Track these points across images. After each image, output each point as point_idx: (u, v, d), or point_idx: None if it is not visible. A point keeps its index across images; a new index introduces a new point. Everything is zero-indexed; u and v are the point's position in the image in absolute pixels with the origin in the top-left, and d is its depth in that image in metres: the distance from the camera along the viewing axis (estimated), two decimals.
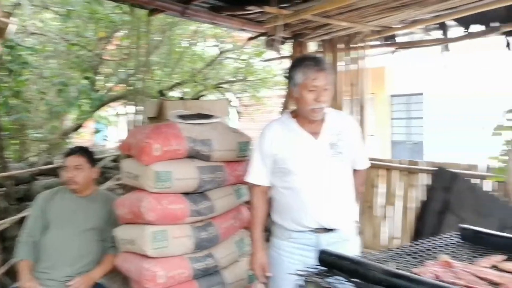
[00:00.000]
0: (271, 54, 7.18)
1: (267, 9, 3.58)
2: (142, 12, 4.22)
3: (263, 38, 5.01)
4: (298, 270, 1.79)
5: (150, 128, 2.84)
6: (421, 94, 12.73)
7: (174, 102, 4.05)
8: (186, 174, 2.76)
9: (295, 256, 2.26)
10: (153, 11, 4.02)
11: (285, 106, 5.03)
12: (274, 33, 4.14)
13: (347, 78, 4.98)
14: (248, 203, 3.21)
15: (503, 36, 4.22)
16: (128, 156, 2.93)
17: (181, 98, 4.86)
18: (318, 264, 1.81)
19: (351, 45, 4.86)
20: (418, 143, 13.61)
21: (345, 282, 1.65)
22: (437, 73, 5.04)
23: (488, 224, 2.47)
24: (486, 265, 1.85)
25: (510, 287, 1.59)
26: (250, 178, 2.41)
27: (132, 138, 2.87)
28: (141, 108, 4.12)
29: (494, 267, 1.84)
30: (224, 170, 2.93)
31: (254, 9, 3.84)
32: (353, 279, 1.64)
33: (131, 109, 4.43)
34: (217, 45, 7.86)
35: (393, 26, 4.51)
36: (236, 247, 3.03)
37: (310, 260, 1.87)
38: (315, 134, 2.30)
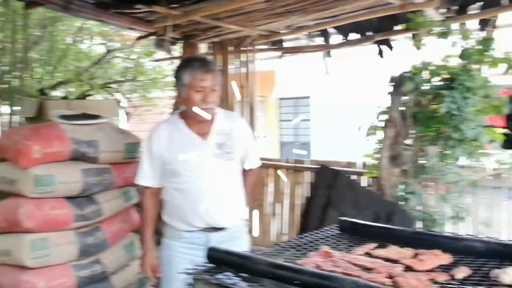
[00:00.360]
0: (161, 54, 7.11)
1: (156, 8, 3.53)
2: (19, 5, 3.90)
3: (153, 38, 4.94)
4: (187, 269, 1.80)
5: (28, 129, 2.65)
6: (308, 97, 13.41)
7: (56, 101, 3.80)
8: (70, 177, 2.62)
9: (185, 256, 2.26)
10: (30, 4, 3.75)
11: (175, 107, 5.00)
12: (163, 33, 4.09)
13: (238, 80, 5.09)
14: (137, 205, 3.14)
15: (376, 45, 4.63)
16: (2, 160, 2.70)
17: (65, 98, 4.58)
18: (207, 261, 1.83)
19: (241, 48, 4.98)
20: (305, 143, 14.33)
21: (234, 277, 1.69)
22: (322, 78, 5.38)
23: (365, 217, 2.69)
24: (360, 253, 2.02)
25: (381, 271, 1.74)
26: (140, 180, 2.39)
27: (7, 140, 2.66)
28: (18, 108, 3.81)
29: (368, 254, 2.01)
30: (112, 172, 2.84)
31: (143, 8, 3.76)
32: (241, 274, 1.69)
33: (6, 109, 4.07)
34: (104, 44, 7.54)
35: (280, 31, 4.71)
36: (125, 251, 2.95)
37: (201, 259, 1.89)
38: (203, 134, 2.31)
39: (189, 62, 2.30)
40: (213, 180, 2.29)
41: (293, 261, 1.89)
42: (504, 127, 3.78)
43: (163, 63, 7.62)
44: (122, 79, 7.55)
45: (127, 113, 7.58)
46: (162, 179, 2.36)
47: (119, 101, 7.31)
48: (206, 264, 1.83)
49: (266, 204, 4.98)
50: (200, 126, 2.31)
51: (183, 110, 2.40)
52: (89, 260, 2.70)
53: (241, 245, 2.36)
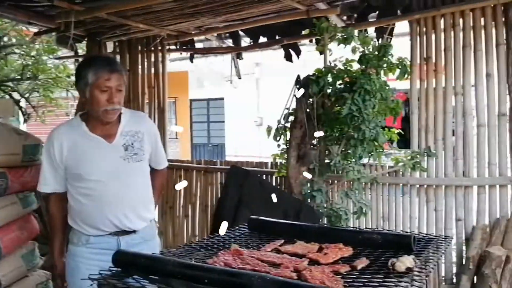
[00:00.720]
0: (65, 52, 6.73)
1: (57, 3, 3.34)
2: None
3: (54, 34, 4.67)
4: (91, 275, 1.73)
5: None
6: (222, 99, 13.46)
7: None
8: None
9: (93, 262, 2.15)
10: None
11: (78, 108, 4.78)
12: (66, 30, 3.88)
13: (147, 81, 4.98)
14: (37, 211, 2.95)
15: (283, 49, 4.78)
16: None
17: None
18: (113, 266, 1.78)
19: (150, 48, 4.88)
20: (218, 145, 14.38)
21: (142, 280, 1.66)
22: (235, 80, 5.45)
23: (275, 215, 2.76)
24: (269, 250, 2.08)
25: (288, 266, 1.80)
26: (43, 187, 2.27)
27: None
28: None
29: (276, 251, 2.08)
30: (7, 177, 2.63)
31: (42, 1, 3.54)
32: (150, 276, 1.66)
33: None
34: None
35: (190, 32, 4.68)
36: (24, 261, 2.75)
37: (109, 265, 1.82)
38: (108, 136, 2.23)
39: (93, 61, 2.20)
40: (121, 183, 2.21)
41: (203, 261, 1.89)
42: (399, 128, 4.10)
43: (67, 61, 7.22)
44: (19, 77, 7.01)
45: (26, 114, 7.06)
46: (66, 183, 2.24)
47: (16, 101, 6.79)
48: (112, 269, 1.77)
49: (177, 206, 4.92)
50: (104, 128, 2.22)
51: (85, 112, 2.27)
52: None
53: (152, 247, 2.31)
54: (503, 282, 3.22)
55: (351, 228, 2.63)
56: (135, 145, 2.26)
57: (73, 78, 7.63)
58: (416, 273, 1.73)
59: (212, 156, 13.69)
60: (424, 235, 2.36)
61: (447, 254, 3.60)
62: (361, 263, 1.85)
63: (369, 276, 1.73)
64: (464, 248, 3.58)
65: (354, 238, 2.15)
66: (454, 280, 3.62)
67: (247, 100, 12.56)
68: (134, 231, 2.27)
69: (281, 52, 4.77)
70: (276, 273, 1.70)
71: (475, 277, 3.41)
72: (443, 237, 2.33)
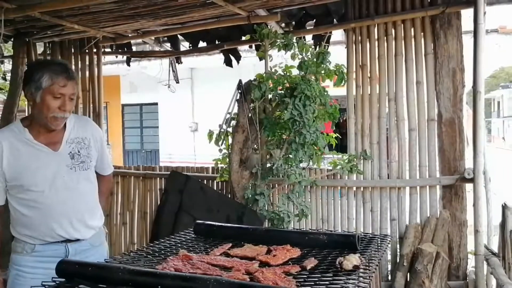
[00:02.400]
0: None
1: None
2: None
3: None
4: (33, 286, 1.64)
5: None
6: (156, 104, 13.21)
7: None
8: None
9: (39, 271, 2.06)
10: None
11: (8, 111, 4.51)
12: None
13: (81, 84, 4.79)
14: None
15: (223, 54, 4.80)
16: None
17: None
18: (58, 275, 1.69)
19: (84, 50, 4.70)
20: (152, 151, 14.07)
21: None
22: (172, 84, 5.39)
23: (218, 220, 2.76)
24: (218, 254, 2.07)
25: (239, 268, 1.81)
26: None
27: None
28: None
29: (225, 254, 2.08)
30: None
31: None
32: (98, 285, 1.60)
33: None
34: None
35: (127, 35, 4.57)
36: None
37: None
38: (53, 144, 2.14)
39: (49, 65, 2.10)
40: (67, 193, 2.13)
41: (152, 267, 1.85)
42: (334, 133, 4.24)
43: None
44: None
45: None
46: (6, 194, 2.11)
47: None
48: (57, 279, 1.69)
49: (114, 213, 4.76)
50: (49, 136, 2.13)
51: (27, 117, 2.17)
52: None
53: (100, 253, 2.27)
54: (434, 277, 3.43)
55: (297, 230, 2.70)
56: (82, 153, 2.19)
57: None
58: (362, 270, 1.80)
59: (145, 162, 13.39)
60: (365, 234, 2.46)
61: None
62: (310, 263, 1.90)
63: (319, 275, 1.77)
64: (398, 246, 3.77)
65: (301, 239, 2.20)
66: (389, 277, 3.79)
67: (182, 105, 12.43)
68: (83, 239, 2.19)
69: (217, 57, 4.81)
70: (229, 276, 1.69)
71: (408, 274, 3.60)
72: (383, 235, 2.45)
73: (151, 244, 2.27)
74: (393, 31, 3.80)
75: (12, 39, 4.55)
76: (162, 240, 2.35)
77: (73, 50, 4.77)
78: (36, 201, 2.08)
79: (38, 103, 2.06)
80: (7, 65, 6.08)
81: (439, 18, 3.64)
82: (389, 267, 3.85)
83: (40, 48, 4.81)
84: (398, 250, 3.74)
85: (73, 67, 4.79)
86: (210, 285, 1.47)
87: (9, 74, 4.93)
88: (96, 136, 2.31)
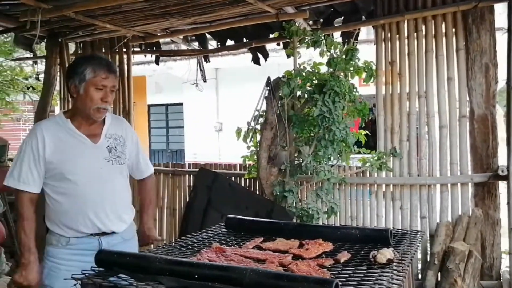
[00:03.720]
0: (21, 53, 6.49)
1: (25, 0, 3.23)
2: None
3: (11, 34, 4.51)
4: (74, 274, 1.69)
5: None
6: (182, 104, 13.33)
7: None
8: None
9: (73, 263, 2.10)
10: None
11: (37, 113, 4.63)
12: (27, 29, 3.75)
13: None
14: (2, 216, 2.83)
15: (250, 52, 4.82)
16: None
17: None
18: (97, 265, 1.74)
19: (115, 50, 4.79)
20: (177, 150, 14.20)
21: (128, 279, 1.63)
22: (197, 85, 5.45)
23: (246, 216, 2.77)
24: (251, 247, 2.09)
25: (273, 261, 1.82)
26: (17, 183, 2.13)
27: None
28: None
29: (258, 248, 2.09)
30: None
31: None
32: (136, 274, 1.63)
33: None
34: None
35: (157, 34, 4.64)
36: None
37: (92, 265, 1.78)
38: (93, 136, 2.21)
39: (91, 59, 2.20)
40: (103, 184, 2.18)
41: (187, 258, 1.88)
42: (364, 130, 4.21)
43: (24, 63, 6.98)
44: None
45: None
46: (44, 183, 2.17)
47: None
48: (96, 268, 1.73)
49: None
50: (90, 128, 2.21)
51: (68, 110, 2.26)
52: None
53: (131, 246, 2.30)
54: (466, 276, 3.37)
55: (329, 225, 2.69)
56: (118, 149, 2.26)
57: (30, 81, 7.42)
58: (396, 264, 1.79)
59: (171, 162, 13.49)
60: (397, 230, 2.45)
61: None
62: (344, 256, 1.90)
63: (353, 268, 1.78)
64: (428, 244, 3.72)
65: (332, 234, 2.20)
66: (420, 276, 3.75)
67: (207, 105, 12.51)
68: (116, 232, 2.23)
69: (242, 57, 4.83)
70: (263, 267, 1.71)
71: (439, 273, 3.55)
72: (415, 231, 2.43)
73: (184, 238, 2.30)
74: (423, 27, 3.76)
75: (45, 40, 4.68)
76: (194, 234, 2.39)
77: (103, 49, 4.86)
78: (74, 190, 2.13)
79: (82, 95, 2.14)
80: (40, 66, 6.23)
81: (471, 13, 3.58)
82: (419, 265, 3.80)
83: (71, 49, 4.92)
84: (429, 249, 3.69)
85: None
86: (247, 274, 1.48)
87: (42, 75, 5.05)
88: (133, 137, 2.39)
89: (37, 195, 2.18)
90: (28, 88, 7.09)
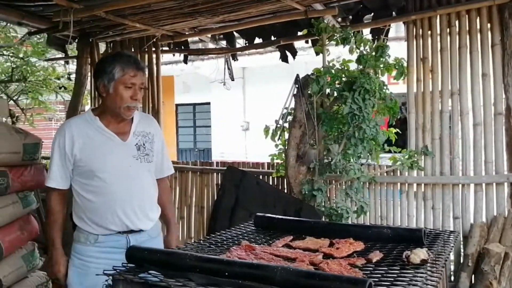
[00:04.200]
0: (53, 53, 6.64)
1: (57, 1, 3.29)
2: None
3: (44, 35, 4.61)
4: (105, 270, 1.70)
5: None
6: (209, 103, 13.40)
7: None
8: None
9: (102, 261, 2.11)
10: None
11: (69, 112, 4.71)
12: (59, 30, 3.83)
13: None
14: (35, 212, 2.89)
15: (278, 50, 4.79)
16: None
17: None
18: (127, 261, 1.75)
19: (144, 49, 4.84)
20: (205, 149, 14.30)
21: (158, 275, 1.63)
22: (223, 86, 5.46)
23: (274, 215, 2.75)
24: (280, 245, 2.07)
25: (303, 259, 1.80)
26: (48, 181, 2.19)
27: None
28: None
29: (287, 246, 2.07)
30: (8, 176, 2.57)
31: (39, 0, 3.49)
32: (166, 271, 1.64)
33: None
34: None
35: (185, 33, 4.66)
36: (23, 262, 2.69)
37: (119, 263, 1.79)
38: (122, 134, 2.21)
39: (119, 57, 2.18)
40: (132, 182, 2.19)
41: (216, 256, 1.88)
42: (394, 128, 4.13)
43: (56, 63, 7.14)
44: (8, 79, 6.89)
45: (14, 117, 6.94)
46: (73, 180, 2.19)
47: (8, 101, 6.67)
48: (127, 264, 1.74)
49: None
50: (119, 126, 2.21)
51: (97, 108, 2.27)
52: None
53: (157, 244, 2.31)
54: (502, 279, 3.26)
55: (360, 224, 2.65)
56: (147, 146, 2.26)
57: (62, 80, 7.58)
58: (430, 265, 1.74)
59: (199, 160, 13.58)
60: (431, 230, 2.38)
61: None
62: (376, 256, 1.86)
63: (386, 268, 1.73)
64: (462, 245, 3.62)
65: (363, 233, 2.16)
66: (453, 278, 3.65)
67: (234, 104, 12.54)
68: (143, 230, 2.24)
69: (269, 56, 4.81)
70: (294, 266, 1.69)
71: (473, 275, 3.45)
72: (449, 231, 2.36)
73: (213, 235, 2.30)
74: (456, 22, 3.66)
75: (76, 40, 4.76)
76: (223, 232, 2.38)
77: (133, 49, 4.92)
78: (103, 187, 2.14)
79: (111, 94, 2.14)
80: (71, 66, 6.36)
81: (507, 7, 3.46)
82: (452, 267, 3.71)
83: (101, 48, 5.00)
84: (462, 250, 3.59)
85: None
86: (278, 273, 1.46)
87: (74, 75, 5.14)
88: (159, 136, 2.38)
89: (65, 191, 2.21)
90: (60, 88, 7.25)
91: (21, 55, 7.13)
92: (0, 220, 2.53)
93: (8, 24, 6.21)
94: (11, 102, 7.08)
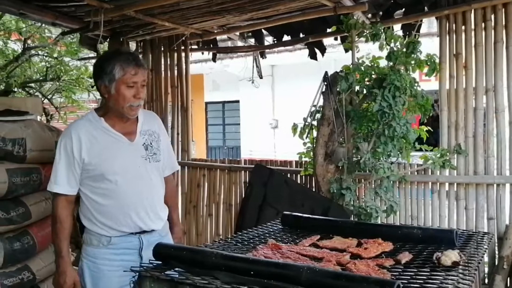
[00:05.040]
0: (86, 53, 6.79)
1: (88, 1, 3.36)
2: None
3: (77, 35, 4.70)
4: (132, 267, 1.72)
5: None
6: (238, 101, 13.45)
7: None
8: None
9: (115, 263, 2.10)
10: None
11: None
12: (91, 29, 3.90)
13: (170, 80, 5.00)
14: None
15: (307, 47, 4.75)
16: None
17: None
18: (154, 258, 1.77)
19: (173, 48, 4.89)
20: (234, 147, 14.37)
21: (184, 272, 1.64)
22: (252, 84, 5.46)
23: (302, 213, 2.73)
24: (307, 245, 2.05)
25: (330, 259, 1.77)
26: (54, 187, 2.10)
27: None
28: None
29: (314, 245, 2.05)
30: (41, 173, 2.65)
31: (71, 0, 3.56)
32: (192, 268, 1.64)
33: None
34: (21, 40, 7.04)
35: (214, 31, 4.68)
36: None
37: (133, 264, 1.78)
38: (129, 134, 2.17)
39: (118, 55, 2.10)
40: (142, 183, 2.16)
41: (242, 254, 1.87)
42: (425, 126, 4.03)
43: (88, 63, 7.28)
44: (43, 78, 7.10)
45: (49, 115, 7.15)
46: (81, 184, 2.13)
47: (43, 100, 6.87)
48: (153, 261, 1.76)
49: (201, 205, 4.90)
50: (125, 126, 2.17)
51: (100, 108, 2.23)
52: (16, 267, 2.50)
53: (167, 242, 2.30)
54: None
55: (389, 224, 2.60)
56: (153, 145, 2.23)
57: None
58: (462, 267, 1.69)
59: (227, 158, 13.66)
60: (463, 231, 2.32)
61: None
62: (405, 257, 1.82)
63: (415, 270, 1.70)
64: (496, 247, 3.51)
65: (393, 233, 2.12)
66: (486, 281, 3.54)
67: (263, 102, 12.54)
68: (155, 230, 2.23)
69: (298, 54, 4.76)
70: (320, 266, 1.67)
71: (508, 278, 3.34)
72: (483, 233, 2.29)
73: (239, 234, 2.30)
74: (492, 16, 3.53)
75: (108, 40, 4.85)
76: (250, 230, 2.38)
77: (162, 48, 4.98)
78: (113, 190, 2.10)
79: (114, 95, 2.08)
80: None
81: None
82: (486, 269, 3.59)
83: (132, 48, 5.07)
84: (497, 252, 3.47)
85: (163, 64, 5.01)
86: (304, 272, 1.45)
87: None
88: (164, 133, 2.35)
89: (72, 197, 2.15)
90: (92, 87, 7.39)
91: (55, 55, 7.32)
92: (34, 215, 2.60)
93: (43, 25, 6.37)
94: (46, 100, 7.29)
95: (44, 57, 7.38)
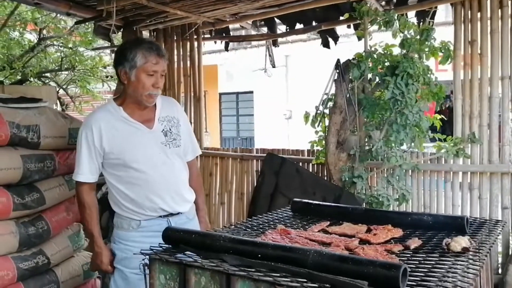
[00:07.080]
0: (100, 42, 6.85)
1: None
2: None
3: (91, 24, 4.73)
4: (142, 250, 1.75)
5: None
6: (252, 92, 13.43)
7: None
8: (8, 164, 2.44)
9: (145, 245, 2.11)
10: None
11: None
12: (104, 19, 3.93)
13: (183, 69, 5.02)
14: None
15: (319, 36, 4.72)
16: None
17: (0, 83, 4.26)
18: (164, 242, 1.79)
19: (186, 37, 4.90)
20: (247, 138, 14.38)
21: (194, 255, 1.66)
22: (265, 73, 5.44)
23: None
24: (316, 230, 2.05)
25: (339, 244, 1.78)
26: (79, 176, 2.18)
27: None
28: None
29: (324, 231, 2.05)
30: (55, 159, 2.68)
31: None
32: (201, 251, 1.66)
33: None
34: (37, 30, 7.13)
35: (226, 20, 4.67)
36: (70, 242, 2.81)
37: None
38: (147, 122, 2.20)
39: (141, 44, 2.14)
40: (165, 169, 2.20)
41: (251, 238, 1.88)
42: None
43: (102, 53, 7.35)
44: (58, 68, 7.17)
45: (64, 104, 7.24)
46: (105, 171, 2.20)
47: (57, 89, 6.96)
48: (163, 245, 1.79)
49: (213, 193, 4.94)
50: (143, 114, 2.20)
51: (119, 97, 2.25)
52: (31, 251, 2.54)
53: (195, 225, 2.34)
54: None
55: (399, 210, 2.58)
56: (173, 131, 2.26)
57: (109, 69, 7.81)
58: (472, 253, 1.68)
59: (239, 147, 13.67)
60: (474, 218, 2.30)
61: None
62: (414, 243, 1.81)
63: (424, 255, 1.69)
64: (510, 237, 3.47)
65: (403, 220, 2.11)
66: (500, 270, 3.51)
67: (276, 93, 12.51)
68: (182, 212, 2.28)
69: (312, 44, 4.73)
70: (328, 250, 1.67)
71: None
72: (495, 220, 2.26)
73: (249, 219, 2.31)
74: (509, 2, 3.46)
75: (121, 29, 4.87)
76: (260, 216, 2.39)
77: (175, 37, 4.99)
78: (137, 178, 2.15)
79: (133, 82, 2.12)
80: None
81: None
82: (500, 259, 3.56)
83: (146, 36, 5.10)
84: (511, 242, 3.44)
85: (175, 53, 5.03)
86: (310, 255, 1.45)
87: None
88: (184, 117, 2.37)
89: (94, 184, 2.23)
90: (106, 77, 7.47)
91: (70, 45, 7.39)
92: (48, 201, 2.64)
93: (58, 15, 6.44)
94: (61, 91, 7.38)
95: (59, 47, 7.46)
